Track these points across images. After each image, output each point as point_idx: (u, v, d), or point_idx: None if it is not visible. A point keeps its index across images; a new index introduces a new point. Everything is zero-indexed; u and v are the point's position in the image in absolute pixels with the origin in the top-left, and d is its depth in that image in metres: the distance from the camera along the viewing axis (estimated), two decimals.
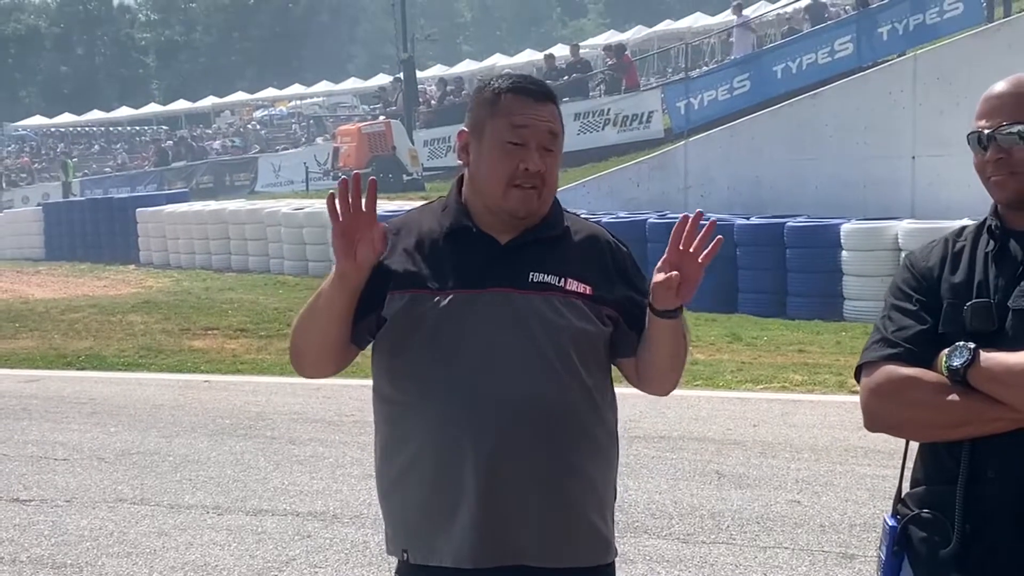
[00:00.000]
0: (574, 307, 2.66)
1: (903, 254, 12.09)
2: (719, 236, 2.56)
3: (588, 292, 2.68)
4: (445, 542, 2.61)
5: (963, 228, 2.51)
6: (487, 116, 2.70)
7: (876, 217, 14.00)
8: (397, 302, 2.67)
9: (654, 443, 7.65)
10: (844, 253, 13.23)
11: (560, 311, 2.64)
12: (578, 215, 2.90)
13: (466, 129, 2.75)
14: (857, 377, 2.47)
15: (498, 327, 2.61)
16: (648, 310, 2.63)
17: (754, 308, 13.79)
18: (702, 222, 2.58)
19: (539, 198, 2.68)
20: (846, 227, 13.35)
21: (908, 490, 2.49)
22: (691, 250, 2.55)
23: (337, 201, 2.57)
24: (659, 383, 2.77)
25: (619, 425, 2.82)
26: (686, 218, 2.56)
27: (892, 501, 2.53)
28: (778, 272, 13.70)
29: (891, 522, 2.47)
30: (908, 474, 2.53)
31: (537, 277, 2.65)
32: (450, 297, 2.64)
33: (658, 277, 2.56)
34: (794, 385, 9.79)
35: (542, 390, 2.60)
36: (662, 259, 2.56)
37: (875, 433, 2.47)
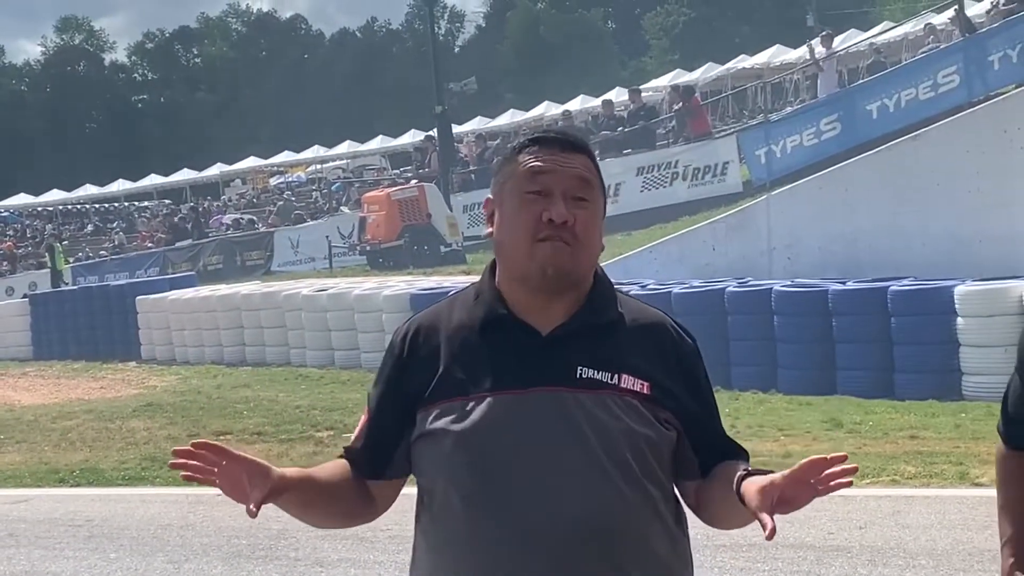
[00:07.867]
0: (630, 408, 2.61)
1: None
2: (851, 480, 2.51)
3: (645, 391, 2.63)
4: None
5: None
6: (508, 174, 2.71)
7: (995, 277, 13.84)
8: (427, 418, 2.66)
9: (742, 552, 7.59)
10: (960, 320, 13.08)
11: (615, 413, 2.60)
12: (635, 297, 2.86)
13: (491, 196, 2.77)
14: None
15: (547, 433, 2.58)
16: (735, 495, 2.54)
17: (856, 388, 13.63)
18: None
19: (572, 255, 2.62)
20: (960, 289, 13.21)
21: None
22: (811, 481, 2.48)
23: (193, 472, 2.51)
24: (721, 527, 2.77)
25: (698, 532, 2.82)
26: (823, 460, 2.49)
27: None
28: (883, 345, 13.54)
29: None
30: None
31: (586, 373, 2.60)
32: (487, 402, 2.61)
33: (755, 493, 2.47)
34: (906, 478, 9.66)
35: (600, 506, 2.57)
36: (774, 481, 2.47)
37: None
